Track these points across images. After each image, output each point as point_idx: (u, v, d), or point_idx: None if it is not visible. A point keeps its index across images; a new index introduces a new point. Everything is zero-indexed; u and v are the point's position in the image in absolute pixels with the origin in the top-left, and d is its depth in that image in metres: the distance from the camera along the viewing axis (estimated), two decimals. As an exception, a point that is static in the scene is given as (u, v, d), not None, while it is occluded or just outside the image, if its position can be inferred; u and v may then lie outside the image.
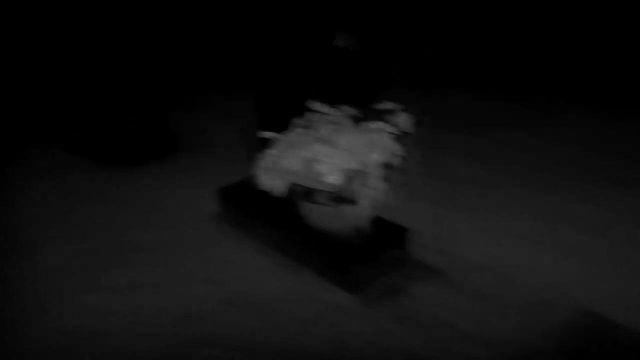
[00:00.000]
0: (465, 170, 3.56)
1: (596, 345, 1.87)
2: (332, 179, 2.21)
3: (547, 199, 3.20)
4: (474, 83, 5.18)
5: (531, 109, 4.54)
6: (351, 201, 2.33)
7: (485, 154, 3.77)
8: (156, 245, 2.81)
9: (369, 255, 2.50)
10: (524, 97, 4.79)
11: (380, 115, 2.41)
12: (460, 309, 2.35)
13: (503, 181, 3.41)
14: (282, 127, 2.43)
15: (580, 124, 4.23)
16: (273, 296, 2.44)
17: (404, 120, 2.40)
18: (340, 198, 2.31)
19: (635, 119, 4.28)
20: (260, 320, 2.30)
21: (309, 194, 2.34)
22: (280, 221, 2.68)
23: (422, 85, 4.93)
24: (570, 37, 5.35)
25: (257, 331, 2.24)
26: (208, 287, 2.49)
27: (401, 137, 2.38)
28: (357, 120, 2.42)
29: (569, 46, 5.36)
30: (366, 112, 2.42)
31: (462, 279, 2.52)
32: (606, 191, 3.25)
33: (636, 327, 2.09)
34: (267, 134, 2.37)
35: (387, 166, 2.35)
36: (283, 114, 2.40)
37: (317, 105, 2.42)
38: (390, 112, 2.43)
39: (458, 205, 3.15)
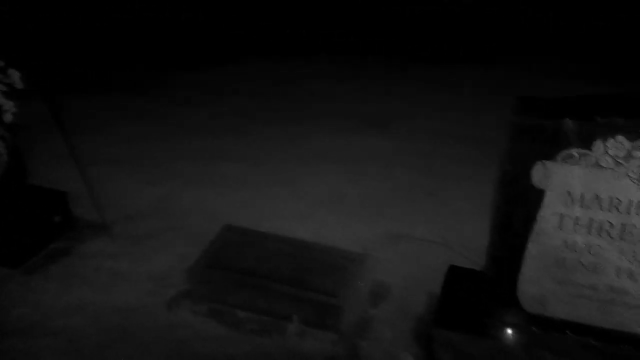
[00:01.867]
0: (133, 130, 3.63)
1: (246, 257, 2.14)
2: None
3: (202, 143, 3.46)
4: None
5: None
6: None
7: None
8: None
9: (25, 224, 2.39)
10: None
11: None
12: (123, 253, 2.43)
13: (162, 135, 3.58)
14: None
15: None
16: None
17: (12, 76, 2.32)
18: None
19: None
20: None
21: None
22: None
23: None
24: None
25: None
26: None
27: (10, 93, 2.30)
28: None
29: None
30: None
31: (126, 228, 2.59)
32: (259, 127, 3.65)
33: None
34: None
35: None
36: None
37: None
38: (-3, 69, 2.32)
39: (123, 161, 3.21)
